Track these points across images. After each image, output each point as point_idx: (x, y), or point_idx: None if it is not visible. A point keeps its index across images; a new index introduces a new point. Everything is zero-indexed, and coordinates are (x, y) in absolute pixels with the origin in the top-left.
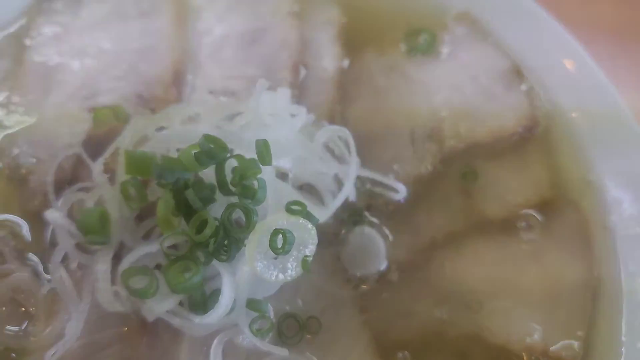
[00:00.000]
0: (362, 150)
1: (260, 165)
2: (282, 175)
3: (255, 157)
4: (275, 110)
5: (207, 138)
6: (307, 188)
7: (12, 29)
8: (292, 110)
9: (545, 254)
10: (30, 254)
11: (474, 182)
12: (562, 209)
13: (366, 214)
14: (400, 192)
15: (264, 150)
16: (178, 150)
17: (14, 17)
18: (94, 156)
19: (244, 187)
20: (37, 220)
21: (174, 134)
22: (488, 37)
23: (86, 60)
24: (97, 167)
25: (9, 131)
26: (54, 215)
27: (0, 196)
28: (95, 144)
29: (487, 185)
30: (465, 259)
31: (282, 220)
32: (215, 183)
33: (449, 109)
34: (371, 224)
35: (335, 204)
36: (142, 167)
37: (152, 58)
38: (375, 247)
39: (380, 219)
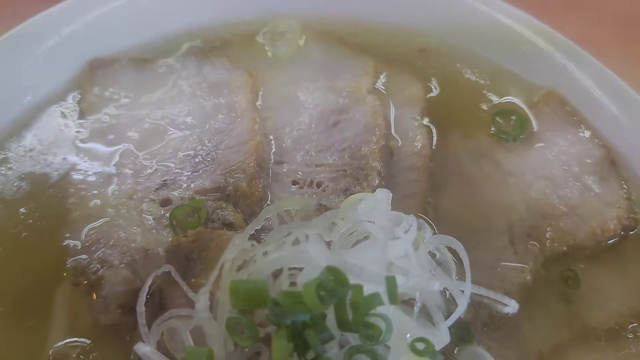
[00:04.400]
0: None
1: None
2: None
3: (377, 290)
4: (375, 217)
5: (330, 270)
6: (407, 302)
7: (62, 101)
8: (393, 218)
9: None
10: None
11: (576, 287)
12: None
13: (472, 328)
14: (511, 307)
15: (393, 288)
16: (274, 274)
17: (62, 86)
18: (180, 270)
19: (368, 326)
20: (111, 339)
21: (282, 258)
22: (577, 120)
23: (152, 142)
24: (201, 298)
25: (72, 228)
26: (145, 350)
27: (63, 306)
28: (182, 256)
29: (589, 291)
30: None
31: None
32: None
33: (546, 204)
34: (479, 341)
35: (447, 324)
36: (253, 301)
37: (231, 143)
38: None
39: (486, 333)
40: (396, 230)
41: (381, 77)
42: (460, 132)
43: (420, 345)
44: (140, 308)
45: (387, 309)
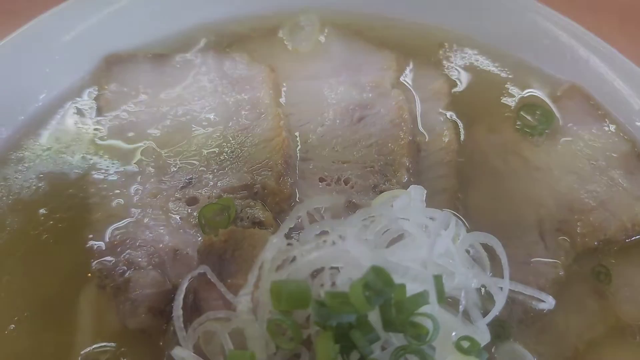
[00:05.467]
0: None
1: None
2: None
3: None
4: (411, 214)
5: (375, 270)
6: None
7: (79, 97)
8: (430, 215)
9: None
10: None
11: (608, 283)
12: None
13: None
14: (548, 303)
15: (441, 286)
16: (313, 274)
17: (78, 82)
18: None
19: (414, 326)
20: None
21: (322, 257)
22: (601, 114)
23: (174, 139)
24: (242, 300)
25: (95, 229)
26: (184, 355)
27: (89, 310)
28: (215, 256)
29: (621, 286)
30: None
31: None
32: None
33: (574, 199)
34: (515, 338)
35: (485, 321)
36: (295, 301)
37: (256, 140)
38: None
39: (521, 329)
40: (434, 228)
41: (403, 71)
42: (485, 126)
43: (466, 344)
44: (178, 311)
45: (433, 308)
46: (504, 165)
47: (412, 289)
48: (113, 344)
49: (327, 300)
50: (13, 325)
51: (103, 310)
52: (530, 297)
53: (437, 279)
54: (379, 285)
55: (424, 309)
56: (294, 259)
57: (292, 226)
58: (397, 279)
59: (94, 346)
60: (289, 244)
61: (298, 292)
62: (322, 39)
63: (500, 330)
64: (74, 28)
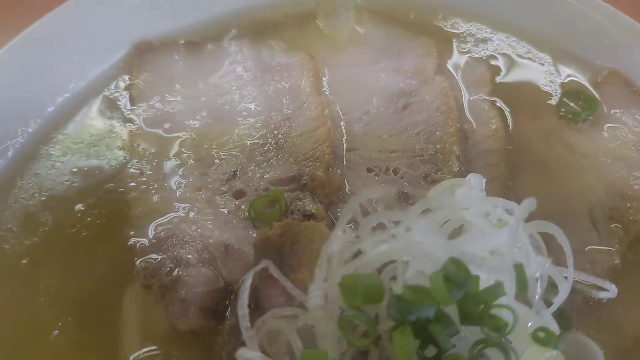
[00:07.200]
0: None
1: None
2: None
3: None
4: (472, 204)
5: (453, 262)
6: None
7: (109, 87)
8: (493, 203)
9: None
10: None
11: None
12: None
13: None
14: (612, 291)
15: (522, 276)
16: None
17: (108, 71)
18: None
19: (492, 319)
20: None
21: (392, 250)
22: None
23: (214, 130)
24: (313, 295)
25: (136, 226)
26: (251, 356)
27: (134, 312)
28: (273, 250)
29: None
30: None
31: (541, 359)
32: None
33: (624, 186)
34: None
35: (550, 311)
36: (370, 296)
37: (300, 130)
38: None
39: (581, 319)
40: (500, 217)
41: (444, 57)
42: (527, 114)
43: (542, 335)
44: (243, 310)
45: (510, 299)
46: (549, 152)
47: (486, 280)
48: (163, 348)
49: (406, 294)
50: (57, 332)
51: (149, 312)
52: (589, 286)
53: (518, 269)
54: (459, 277)
55: (500, 300)
56: (359, 252)
57: (350, 218)
58: (473, 271)
59: (143, 350)
60: (356, 237)
61: (372, 287)
62: (358, 25)
63: (561, 320)
64: (102, 14)
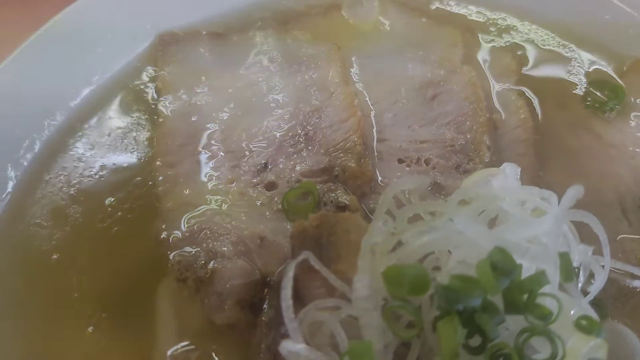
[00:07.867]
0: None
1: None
2: None
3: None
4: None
5: (499, 250)
6: None
7: (134, 79)
8: (528, 192)
9: None
10: None
11: None
12: None
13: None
14: None
15: (568, 265)
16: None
17: (132, 63)
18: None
19: (537, 308)
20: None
21: (435, 241)
22: None
23: (242, 122)
24: (358, 286)
25: (168, 219)
26: (297, 349)
27: (169, 306)
28: (312, 242)
29: None
30: None
31: (585, 347)
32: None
33: None
34: (613, 317)
35: (587, 299)
36: (416, 287)
37: (329, 121)
38: (630, 348)
39: (616, 307)
40: (536, 205)
41: (470, 47)
42: (553, 103)
43: (585, 323)
44: (287, 301)
45: (554, 288)
46: (577, 142)
47: (527, 268)
48: (200, 343)
49: (454, 283)
50: (92, 327)
51: (184, 306)
52: (623, 274)
53: (564, 257)
54: (505, 265)
55: (544, 289)
56: (399, 243)
57: (386, 210)
58: (516, 259)
59: (180, 344)
60: (396, 227)
61: (418, 277)
62: (382, 16)
63: (597, 309)
64: (124, 5)
